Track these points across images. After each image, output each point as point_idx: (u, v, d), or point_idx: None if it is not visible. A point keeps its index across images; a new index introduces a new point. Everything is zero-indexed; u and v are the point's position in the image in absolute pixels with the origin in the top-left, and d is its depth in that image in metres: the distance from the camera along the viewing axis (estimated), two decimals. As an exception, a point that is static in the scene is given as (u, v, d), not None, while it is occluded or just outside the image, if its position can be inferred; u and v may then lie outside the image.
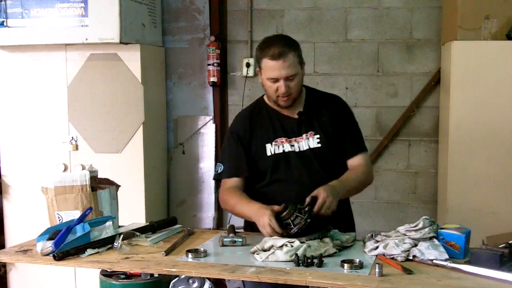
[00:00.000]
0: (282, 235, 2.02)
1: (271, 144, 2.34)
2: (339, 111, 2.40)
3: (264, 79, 2.28)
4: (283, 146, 2.33)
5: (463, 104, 3.29)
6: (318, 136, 2.33)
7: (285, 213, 2.07)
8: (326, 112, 2.37)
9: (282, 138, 2.34)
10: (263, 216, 2.07)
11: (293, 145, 2.33)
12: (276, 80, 2.23)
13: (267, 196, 2.32)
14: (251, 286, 2.30)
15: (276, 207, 2.10)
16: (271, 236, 2.04)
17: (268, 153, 2.33)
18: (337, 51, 3.84)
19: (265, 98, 2.43)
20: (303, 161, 2.31)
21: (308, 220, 2.02)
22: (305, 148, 2.33)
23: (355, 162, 2.37)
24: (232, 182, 2.35)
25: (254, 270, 1.84)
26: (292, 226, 2.02)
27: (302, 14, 3.86)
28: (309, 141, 2.33)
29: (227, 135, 2.48)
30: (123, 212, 2.48)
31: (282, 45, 2.22)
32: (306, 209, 2.05)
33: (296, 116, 2.36)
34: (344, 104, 2.47)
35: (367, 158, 2.43)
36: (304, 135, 2.34)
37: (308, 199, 2.09)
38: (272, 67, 2.22)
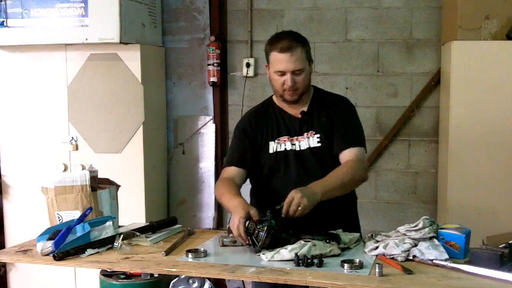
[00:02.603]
0: (248, 245, 2.03)
1: (274, 142, 2.36)
2: (337, 110, 2.38)
3: (272, 72, 2.31)
4: (285, 145, 2.35)
5: (463, 104, 3.29)
6: (318, 135, 2.33)
7: (249, 225, 2.02)
8: (326, 112, 2.37)
9: (285, 136, 2.36)
10: (236, 216, 2.04)
11: (294, 144, 2.34)
12: (283, 73, 2.26)
13: (267, 192, 2.36)
14: (251, 286, 2.31)
15: (254, 212, 2.05)
16: (235, 233, 2.03)
17: (271, 151, 2.36)
18: (337, 51, 3.84)
19: (273, 98, 2.45)
20: (302, 160, 2.33)
21: (269, 234, 1.97)
22: (305, 148, 2.33)
23: (344, 157, 2.30)
24: (230, 171, 2.37)
25: (254, 270, 1.84)
26: (256, 242, 1.99)
27: (302, 14, 3.86)
28: (310, 141, 2.34)
29: (234, 131, 2.51)
30: (123, 212, 2.48)
31: (291, 39, 2.27)
32: (265, 224, 1.98)
33: (300, 116, 2.37)
34: (346, 103, 2.44)
35: (359, 153, 2.31)
36: (305, 134, 2.35)
37: (283, 204, 2.06)
38: (280, 60, 2.25)
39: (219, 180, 2.39)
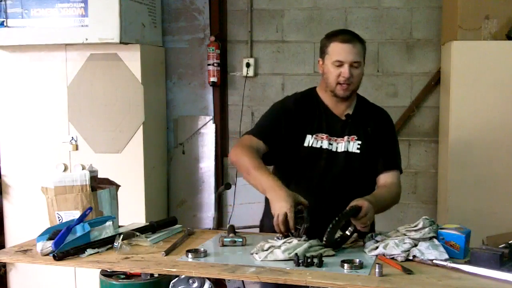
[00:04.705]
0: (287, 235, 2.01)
1: (312, 136, 2.31)
2: (383, 125, 2.40)
3: (328, 64, 2.29)
4: (321, 142, 2.31)
5: (463, 104, 3.29)
6: (359, 142, 2.32)
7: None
8: (372, 122, 2.37)
9: (324, 134, 2.32)
10: (282, 208, 1.98)
11: (331, 144, 2.31)
12: (341, 64, 2.25)
13: (290, 182, 2.29)
14: (251, 286, 2.30)
15: (300, 201, 2.03)
16: (280, 228, 1.99)
17: (306, 144, 2.31)
18: (337, 51, 3.83)
19: (317, 89, 2.42)
20: (333, 162, 2.30)
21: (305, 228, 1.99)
22: (342, 150, 2.31)
23: (388, 179, 2.33)
24: (257, 143, 2.27)
25: (254, 270, 1.84)
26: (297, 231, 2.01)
27: (302, 14, 3.86)
28: (349, 145, 2.32)
29: (275, 105, 2.44)
30: (123, 212, 2.48)
31: (352, 35, 2.32)
32: (303, 215, 2.00)
33: (344, 118, 2.35)
34: (389, 119, 2.46)
35: (399, 179, 2.38)
36: (345, 137, 2.32)
37: (348, 208, 2.04)
38: (340, 50, 2.26)
39: (243, 146, 2.27)
